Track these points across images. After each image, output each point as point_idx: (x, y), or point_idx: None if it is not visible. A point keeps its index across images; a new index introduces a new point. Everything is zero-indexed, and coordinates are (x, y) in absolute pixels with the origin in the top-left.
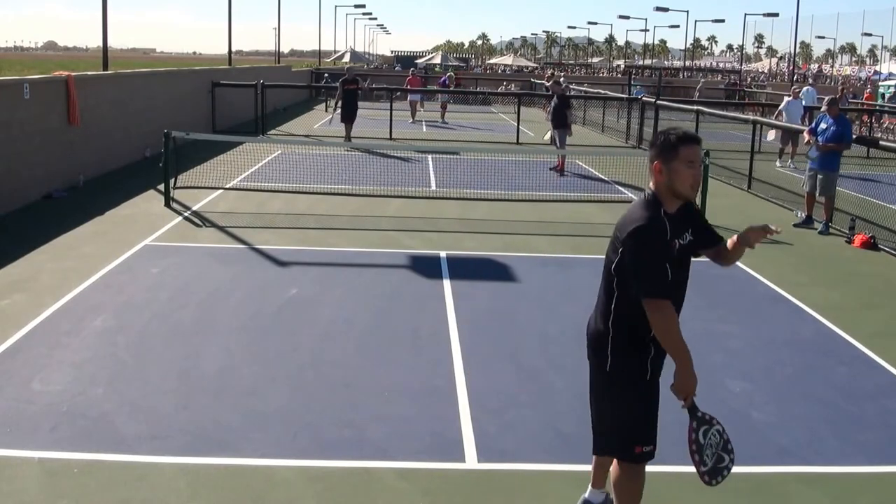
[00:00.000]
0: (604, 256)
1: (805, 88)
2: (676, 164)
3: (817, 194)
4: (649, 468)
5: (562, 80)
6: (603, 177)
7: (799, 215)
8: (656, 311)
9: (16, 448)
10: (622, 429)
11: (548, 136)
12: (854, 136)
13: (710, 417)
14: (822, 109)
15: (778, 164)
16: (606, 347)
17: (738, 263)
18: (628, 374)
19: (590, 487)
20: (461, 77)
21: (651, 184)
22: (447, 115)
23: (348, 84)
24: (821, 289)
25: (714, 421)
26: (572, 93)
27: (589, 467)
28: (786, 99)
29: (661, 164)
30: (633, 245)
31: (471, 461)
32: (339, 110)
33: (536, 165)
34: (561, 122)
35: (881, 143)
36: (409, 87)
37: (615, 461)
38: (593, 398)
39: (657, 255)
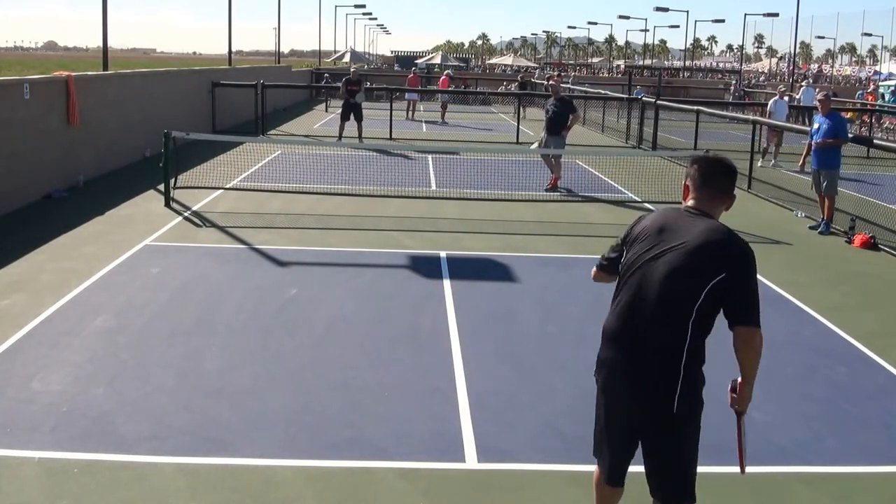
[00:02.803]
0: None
1: (804, 89)
2: None
3: (820, 195)
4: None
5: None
6: (603, 177)
7: (798, 215)
8: (758, 340)
9: (16, 448)
10: (691, 469)
11: (535, 146)
12: (850, 136)
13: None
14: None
15: (760, 163)
16: (676, 385)
17: None
18: (698, 409)
19: None
20: (460, 77)
21: (717, 213)
22: (447, 115)
23: (351, 85)
24: (821, 289)
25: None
26: (578, 93)
27: (589, 467)
28: (772, 99)
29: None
30: (750, 269)
31: (471, 461)
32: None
33: (536, 165)
34: (558, 127)
35: (875, 142)
36: (408, 86)
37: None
38: (659, 442)
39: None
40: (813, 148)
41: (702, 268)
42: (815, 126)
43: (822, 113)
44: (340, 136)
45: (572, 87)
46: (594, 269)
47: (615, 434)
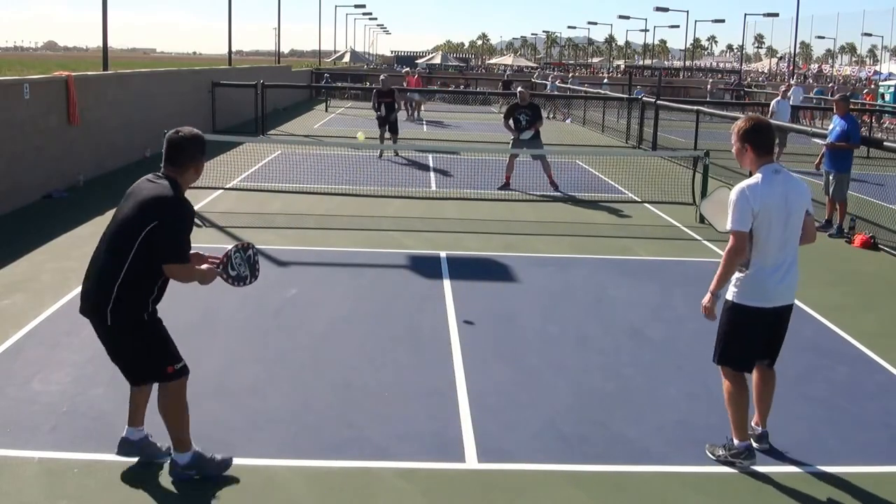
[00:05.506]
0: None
1: (792, 88)
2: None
3: (829, 196)
4: (648, 468)
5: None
6: (603, 177)
7: None
8: (183, 270)
9: (16, 448)
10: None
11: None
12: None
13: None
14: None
15: None
16: (112, 304)
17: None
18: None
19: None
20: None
21: (176, 176)
22: (421, 112)
23: (383, 97)
24: (821, 289)
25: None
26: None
27: (590, 467)
28: (775, 100)
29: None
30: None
31: (471, 461)
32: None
33: (536, 165)
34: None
35: (885, 143)
36: (408, 86)
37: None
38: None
39: (189, 228)
40: (825, 149)
41: (136, 218)
42: (831, 126)
43: (837, 114)
44: (382, 140)
45: (573, 87)
46: None
47: None
